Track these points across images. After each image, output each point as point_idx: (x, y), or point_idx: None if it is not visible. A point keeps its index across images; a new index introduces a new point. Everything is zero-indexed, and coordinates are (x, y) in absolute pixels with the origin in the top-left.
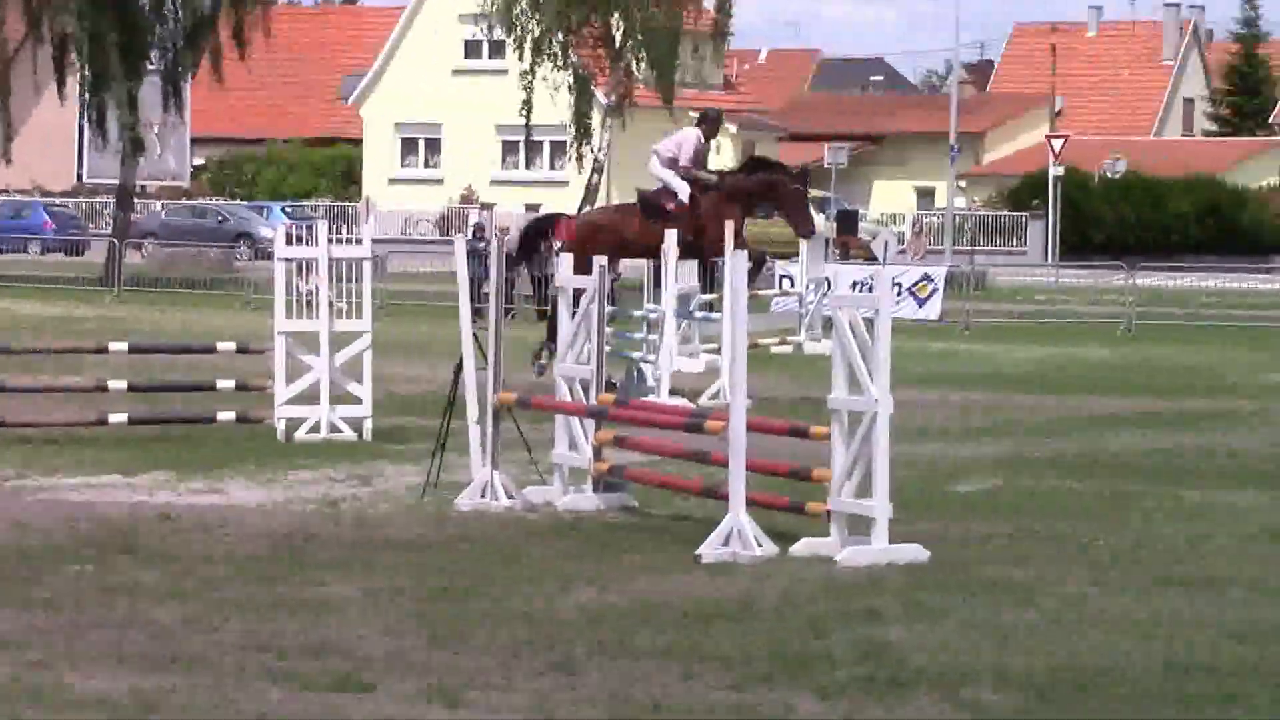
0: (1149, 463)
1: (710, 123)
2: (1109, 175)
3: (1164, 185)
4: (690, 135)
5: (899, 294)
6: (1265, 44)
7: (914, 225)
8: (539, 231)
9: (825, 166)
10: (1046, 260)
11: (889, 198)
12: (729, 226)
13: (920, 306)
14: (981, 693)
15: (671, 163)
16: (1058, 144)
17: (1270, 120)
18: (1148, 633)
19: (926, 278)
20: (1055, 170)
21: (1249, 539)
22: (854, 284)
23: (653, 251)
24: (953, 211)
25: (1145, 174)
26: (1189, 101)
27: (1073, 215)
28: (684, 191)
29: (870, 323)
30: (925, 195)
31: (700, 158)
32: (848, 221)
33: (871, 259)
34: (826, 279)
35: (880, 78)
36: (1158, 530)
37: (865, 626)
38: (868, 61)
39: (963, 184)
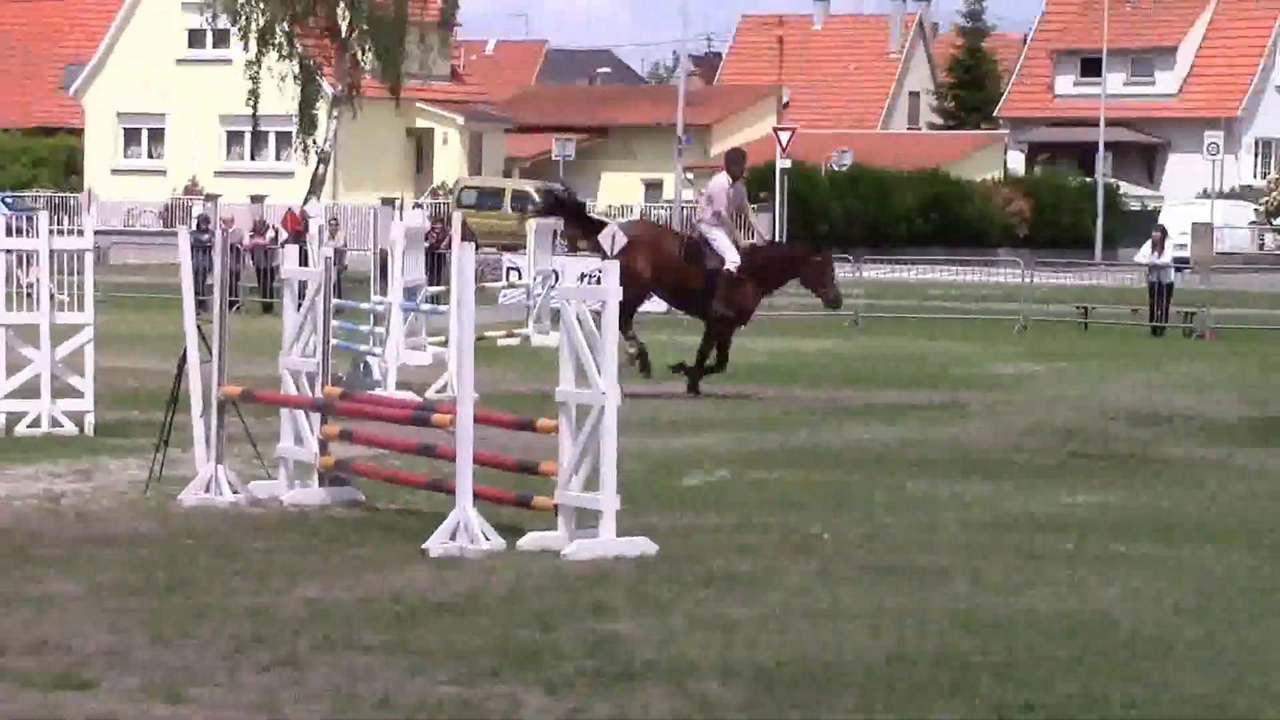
0: (875, 454)
1: (734, 163)
2: (835, 168)
3: (890, 178)
4: (718, 182)
5: None
6: (989, 38)
7: (642, 218)
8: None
9: (553, 159)
10: None
11: (617, 190)
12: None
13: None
14: (708, 685)
15: (714, 217)
16: (785, 137)
17: (995, 114)
18: (873, 624)
19: None
20: (782, 163)
21: (973, 529)
22: (582, 276)
23: (682, 286)
24: (680, 204)
25: (872, 167)
26: (915, 95)
27: (800, 208)
28: (734, 263)
29: (598, 315)
30: (653, 187)
31: (736, 199)
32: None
33: (599, 251)
34: (555, 271)
35: (608, 70)
36: (883, 521)
37: (593, 620)
38: (595, 53)
39: (690, 176)
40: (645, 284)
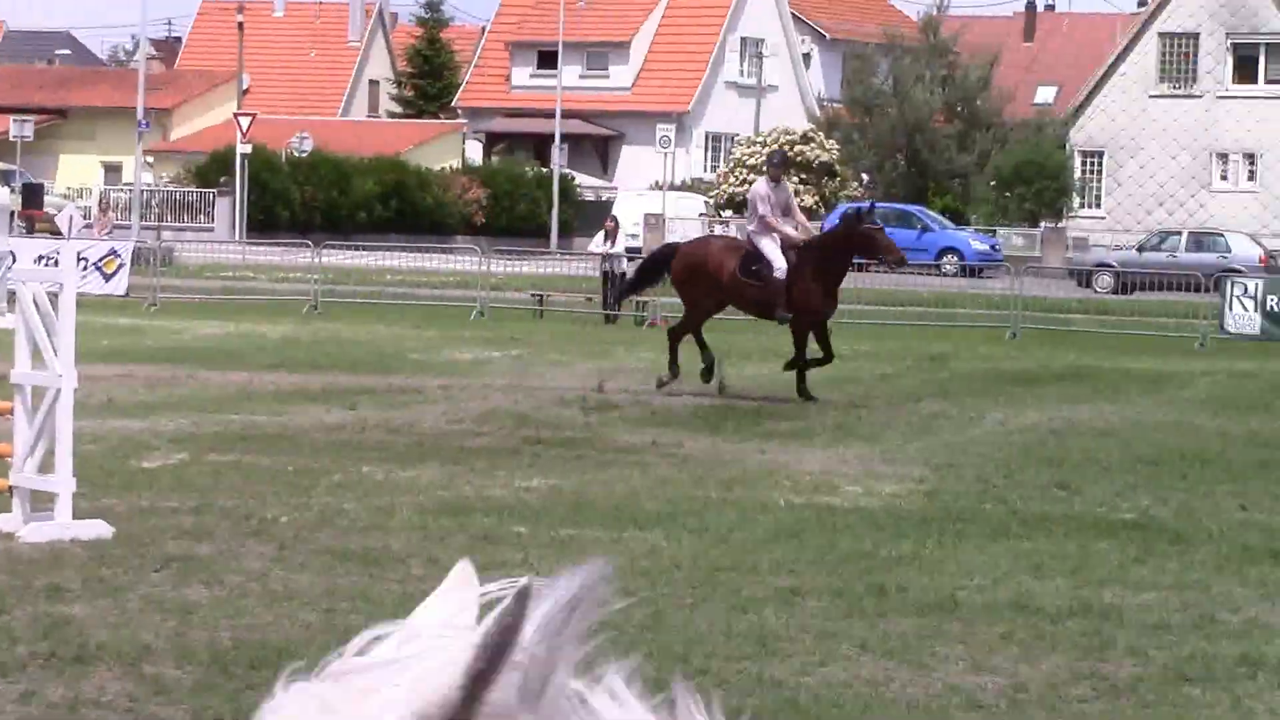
0: (334, 438)
1: (773, 165)
2: (296, 154)
3: (350, 165)
4: (756, 189)
5: (85, 269)
6: (447, 29)
7: (101, 200)
8: (659, 261)
9: (11, 139)
10: (234, 237)
11: (76, 172)
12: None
13: (107, 282)
14: (163, 667)
15: (760, 224)
16: (245, 122)
17: (453, 103)
18: (329, 607)
19: (113, 253)
20: (243, 148)
21: (429, 513)
22: (39, 258)
23: (745, 297)
24: (140, 187)
25: (331, 153)
26: (374, 83)
27: (260, 193)
28: (782, 270)
29: (55, 297)
30: (113, 170)
31: (780, 200)
32: (33, 195)
33: (57, 233)
34: (11, 253)
35: (67, 51)
36: (340, 506)
37: (47, 603)
38: (54, 34)
39: (150, 159)
40: (707, 304)
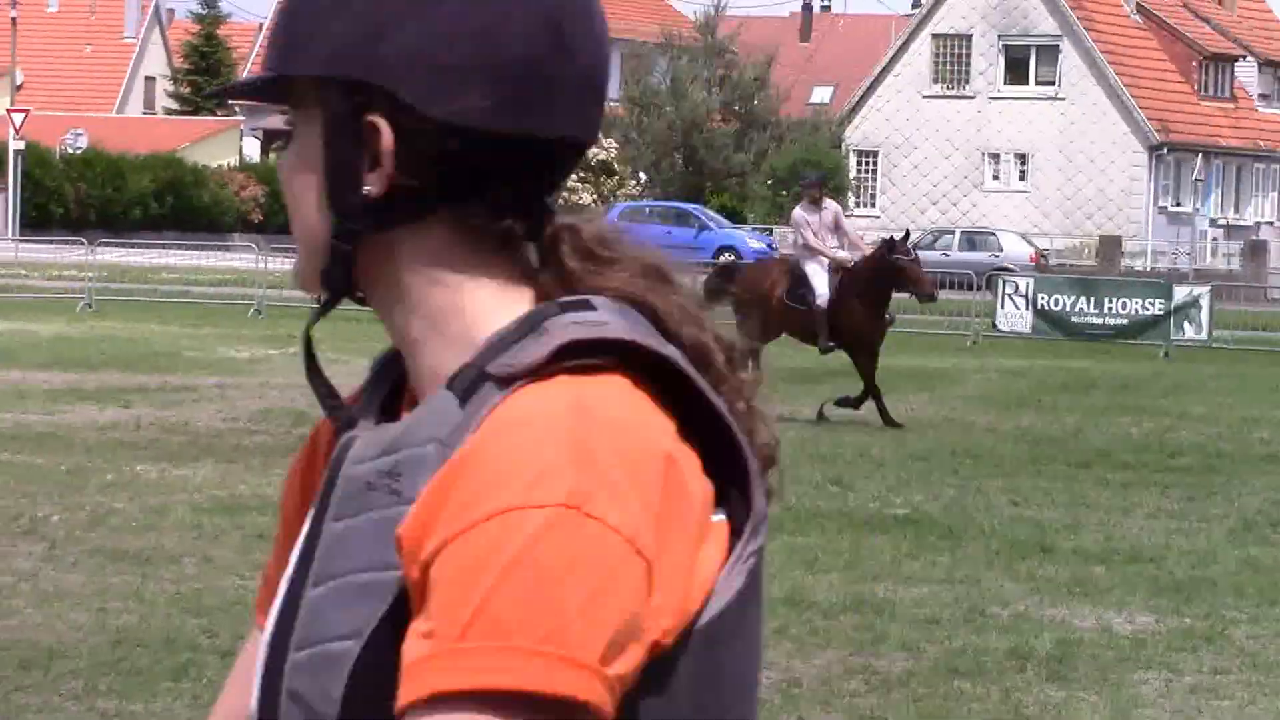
0: (108, 437)
1: (808, 186)
2: (70, 150)
3: (125, 162)
4: (795, 215)
5: None
6: (225, 25)
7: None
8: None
9: None
10: (7, 234)
11: None
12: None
13: None
14: None
15: (804, 250)
16: (19, 118)
17: (230, 100)
18: (100, 607)
19: None
20: (16, 144)
21: (204, 512)
22: None
23: (794, 324)
24: None
25: (106, 151)
26: (151, 80)
27: (34, 190)
28: (824, 296)
29: None
30: None
31: (826, 221)
32: None
33: None
34: None
35: None
36: (113, 505)
37: None
38: None
39: None
40: (761, 333)
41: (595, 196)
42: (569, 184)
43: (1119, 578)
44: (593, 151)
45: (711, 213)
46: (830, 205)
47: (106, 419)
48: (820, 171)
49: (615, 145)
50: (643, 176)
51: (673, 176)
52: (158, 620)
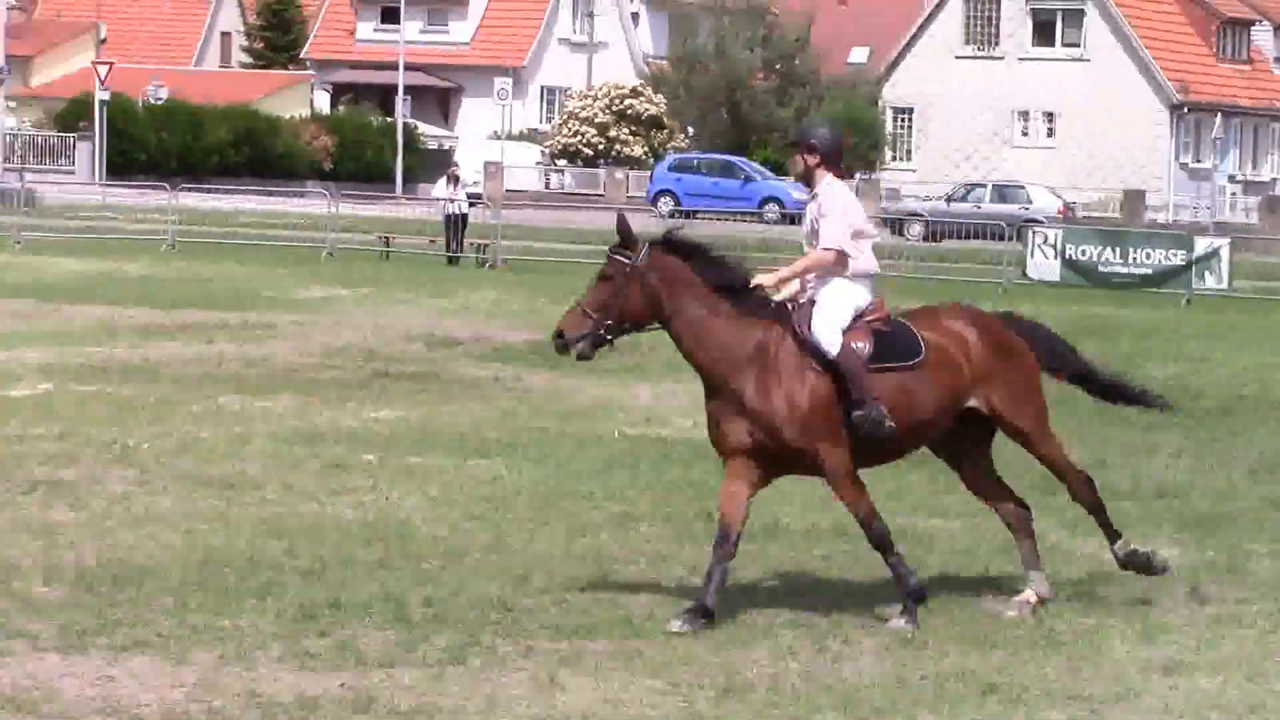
0: (192, 370)
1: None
2: (152, 101)
3: (204, 112)
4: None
5: None
6: None
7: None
8: None
9: None
10: (95, 180)
11: None
12: None
13: None
14: (32, 586)
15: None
16: (103, 70)
17: (301, 55)
18: (189, 529)
19: None
20: (101, 95)
21: (283, 441)
22: None
23: None
24: (3, 131)
25: (186, 102)
26: (226, 35)
27: (118, 138)
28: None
29: None
30: None
31: (811, 214)
32: None
33: None
34: None
35: None
36: (199, 434)
37: None
38: None
39: (13, 104)
40: None
41: (646, 149)
42: (621, 136)
43: (1145, 513)
44: (644, 106)
45: (756, 165)
46: (826, 183)
47: (191, 353)
48: (800, 127)
49: (664, 101)
50: (690, 130)
51: (719, 130)
52: (242, 542)
